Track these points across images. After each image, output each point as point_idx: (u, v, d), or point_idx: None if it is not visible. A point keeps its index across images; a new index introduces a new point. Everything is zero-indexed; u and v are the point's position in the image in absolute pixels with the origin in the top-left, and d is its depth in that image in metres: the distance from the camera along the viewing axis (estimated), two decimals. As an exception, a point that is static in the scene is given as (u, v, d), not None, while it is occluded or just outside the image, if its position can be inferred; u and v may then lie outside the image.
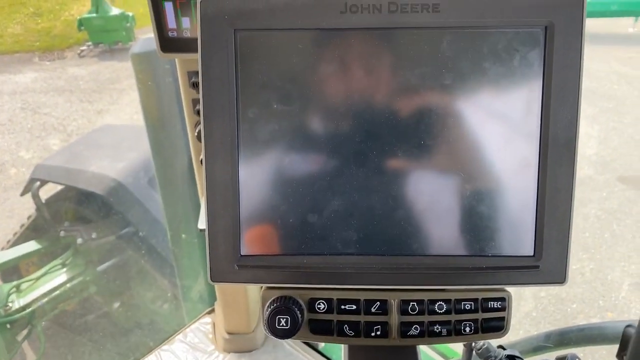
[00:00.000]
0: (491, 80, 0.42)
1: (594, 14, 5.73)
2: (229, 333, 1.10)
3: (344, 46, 0.43)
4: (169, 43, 0.68)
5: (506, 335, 0.49)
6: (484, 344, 0.62)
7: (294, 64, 0.43)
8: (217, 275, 0.46)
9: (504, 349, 0.64)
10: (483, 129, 0.43)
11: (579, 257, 2.63)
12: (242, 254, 0.46)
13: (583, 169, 3.35)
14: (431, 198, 0.44)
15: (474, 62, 0.42)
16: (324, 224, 0.45)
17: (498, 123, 0.43)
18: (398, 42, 0.43)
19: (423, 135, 0.43)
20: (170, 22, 0.66)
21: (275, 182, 0.45)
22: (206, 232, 0.45)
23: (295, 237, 0.45)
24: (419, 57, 0.43)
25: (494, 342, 0.65)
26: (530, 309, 2.35)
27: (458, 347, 0.67)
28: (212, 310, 1.24)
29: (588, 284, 2.48)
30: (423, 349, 1.09)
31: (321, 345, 1.17)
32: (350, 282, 0.45)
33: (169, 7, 0.65)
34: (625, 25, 5.83)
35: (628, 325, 0.58)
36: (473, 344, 0.63)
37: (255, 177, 0.45)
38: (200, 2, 0.43)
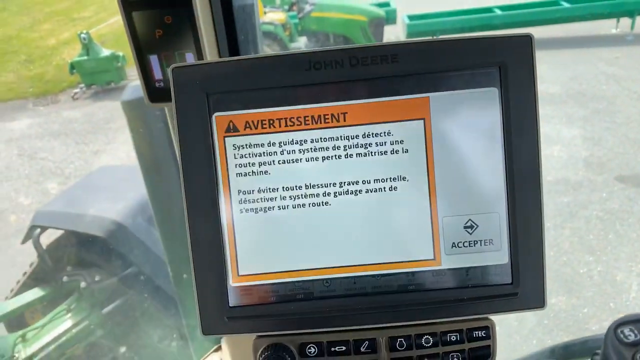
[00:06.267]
0: (455, 119, 0.45)
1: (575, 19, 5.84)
2: (237, 370, 1.09)
3: (310, 98, 0.45)
4: (156, 92, 0.70)
5: (516, 348, 0.50)
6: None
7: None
8: (208, 328, 0.47)
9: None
10: (450, 166, 0.45)
11: (586, 261, 2.62)
12: (230, 305, 0.47)
13: (580, 171, 3.36)
14: (410, 236, 0.46)
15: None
16: (309, 271, 0.47)
17: (465, 160, 0.45)
18: (362, 91, 0.45)
19: (394, 175, 0.45)
20: (157, 74, 0.68)
21: (258, 234, 0.46)
22: (194, 287, 0.46)
23: (281, 285, 0.47)
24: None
25: (499, 358, 0.65)
26: (542, 317, 2.33)
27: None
28: (219, 348, 1.23)
29: (597, 287, 2.46)
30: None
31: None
32: (338, 324, 0.47)
33: (154, 60, 0.67)
34: (609, 26, 5.92)
35: (595, 353, 0.58)
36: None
37: (238, 228, 0.46)
38: (172, 69, 0.45)
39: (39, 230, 2.10)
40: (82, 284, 2.06)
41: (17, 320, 2.15)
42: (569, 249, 2.72)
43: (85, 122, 5.20)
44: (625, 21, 5.84)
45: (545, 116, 4.09)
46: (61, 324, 2.00)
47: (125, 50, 5.75)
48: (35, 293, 2.10)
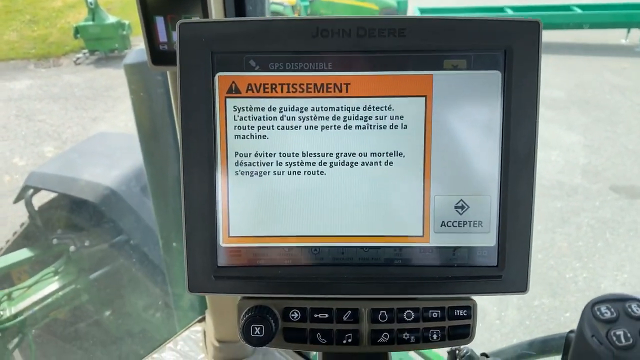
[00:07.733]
0: (456, 99, 0.45)
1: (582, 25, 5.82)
2: (219, 341, 1.10)
3: (315, 66, 0.45)
4: (160, 56, 0.69)
5: (494, 344, 0.50)
6: (467, 352, 0.63)
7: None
8: (195, 285, 0.47)
9: (487, 356, 0.65)
10: (447, 145, 0.45)
11: (573, 266, 2.65)
12: (219, 265, 0.47)
13: (576, 178, 3.38)
14: (401, 211, 0.46)
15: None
16: (298, 237, 0.47)
17: (462, 141, 0.45)
18: (366, 63, 0.45)
19: (391, 150, 0.46)
20: (162, 36, 0.67)
21: (252, 196, 0.46)
22: (184, 245, 0.46)
23: (270, 249, 0.47)
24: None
25: (478, 350, 0.66)
26: (523, 318, 2.35)
27: (443, 352, 0.68)
28: (203, 319, 1.24)
29: (581, 293, 2.49)
30: (411, 354, 1.09)
31: (312, 353, 1.17)
32: (323, 292, 0.47)
33: (160, 22, 0.67)
34: (618, 36, 5.90)
35: (570, 331, 0.59)
36: (457, 351, 0.64)
37: (232, 190, 0.46)
38: (179, 25, 0.44)
39: (31, 191, 2.09)
40: (72, 248, 2.07)
41: (4, 279, 2.16)
42: (557, 254, 2.75)
43: (86, 87, 5.16)
44: (636, 32, 5.83)
45: (546, 120, 4.09)
46: (47, 286, 2.00)
47: (131, 18, 5.69)
48: (23, 253, 2.09)
